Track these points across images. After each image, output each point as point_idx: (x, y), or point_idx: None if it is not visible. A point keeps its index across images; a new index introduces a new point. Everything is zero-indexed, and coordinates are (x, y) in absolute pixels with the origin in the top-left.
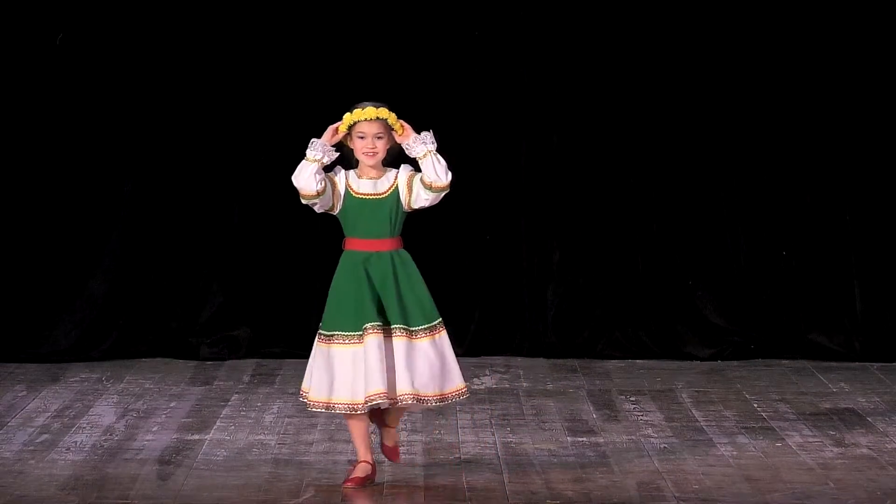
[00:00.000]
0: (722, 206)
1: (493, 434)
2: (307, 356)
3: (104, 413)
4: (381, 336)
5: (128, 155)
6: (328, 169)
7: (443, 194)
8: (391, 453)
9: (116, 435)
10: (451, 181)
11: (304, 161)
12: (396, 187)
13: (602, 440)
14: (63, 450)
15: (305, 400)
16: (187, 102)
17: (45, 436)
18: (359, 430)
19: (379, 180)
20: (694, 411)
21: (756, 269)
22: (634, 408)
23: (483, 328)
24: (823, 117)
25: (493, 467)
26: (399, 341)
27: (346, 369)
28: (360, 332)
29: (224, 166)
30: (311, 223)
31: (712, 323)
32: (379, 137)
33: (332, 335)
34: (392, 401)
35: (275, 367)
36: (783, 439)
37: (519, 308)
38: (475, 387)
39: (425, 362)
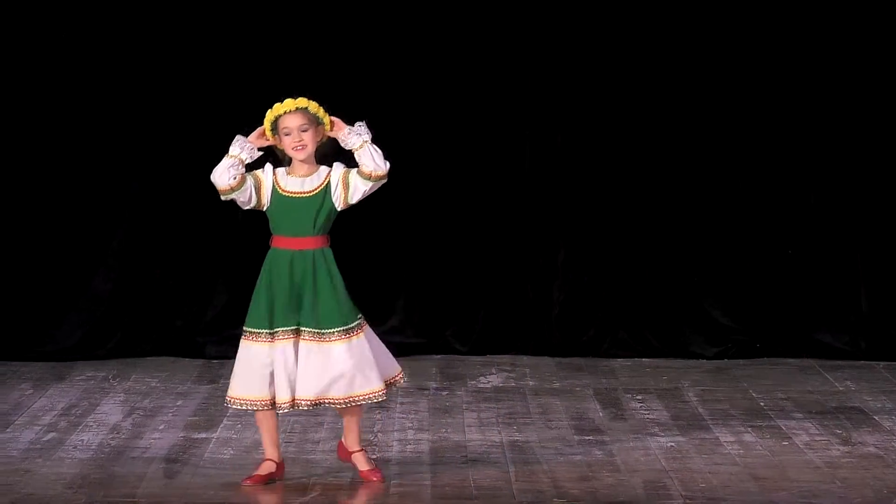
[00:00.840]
0: (727, 204)
1: (500, 433)
2: None
3: (110, 411)
4: (291, 342)
5: (134, 154)
6: (257, 166)
7: (381, 183)
8: (370, 475)
9: (123, 433)
10: (389, 170)
11: (224, 157)
12: (327, 185)
13: (608, 438)
14: (70, 448)
15: (232, 405)
16: (192, 102)
17: (52, 434)
18: (266, 426)
19: (308, 178)
20: (700, 410)
21: (761, 267)
22: (641, 406)
23: (489, 327)
24: (827, 117)
25: (499, 466)
26: (305, 344)
27: (257, 367)
28: (274, 332)
29: None
30: None
31: (718, 322)
32: (304, 130)
33: (249, 332)
34: (295, 404)
35: None
36: (790, 438)
37: (524, 307)
38: (481, 385)
39: (334, 366)
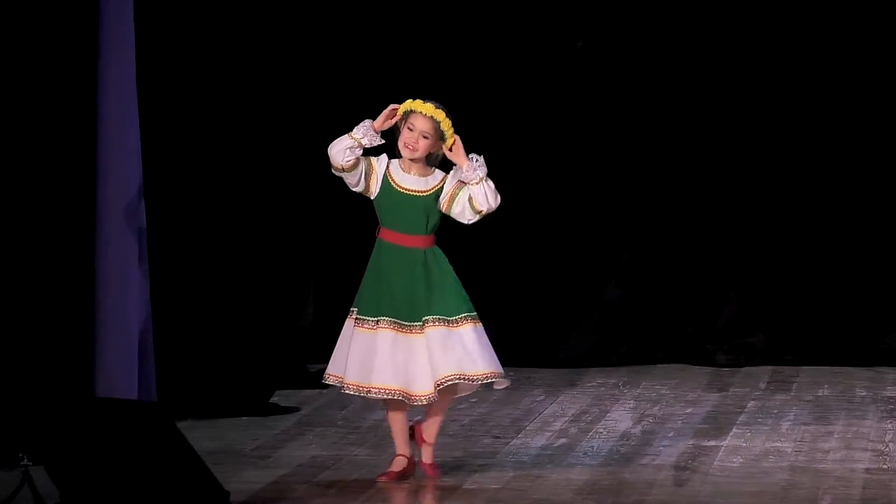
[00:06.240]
0: None
1: None
2: (824, 363)
3: (620, 418)
4: (394, 332)
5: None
6: (374, 152)
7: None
8: (429, 469)
9: (633, 440)
10: (499, 204)
11: (346, 135)
12: (440, 188)
13: None
14: (580, 454)
15: (337, 383)
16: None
17: (563, 440)
18: (397, 423)
19: (424, 178)
20: None
21: None
22: None
23: None
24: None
25: None
26: (434, 330)
27: (364, 353)
28: (377, 320)
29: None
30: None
31: None
32: (425, 137)
33: (360, 318)
34: (409, 398)
35: (791, 374)
36: None
37: None
38: None
39: (461, 346)
